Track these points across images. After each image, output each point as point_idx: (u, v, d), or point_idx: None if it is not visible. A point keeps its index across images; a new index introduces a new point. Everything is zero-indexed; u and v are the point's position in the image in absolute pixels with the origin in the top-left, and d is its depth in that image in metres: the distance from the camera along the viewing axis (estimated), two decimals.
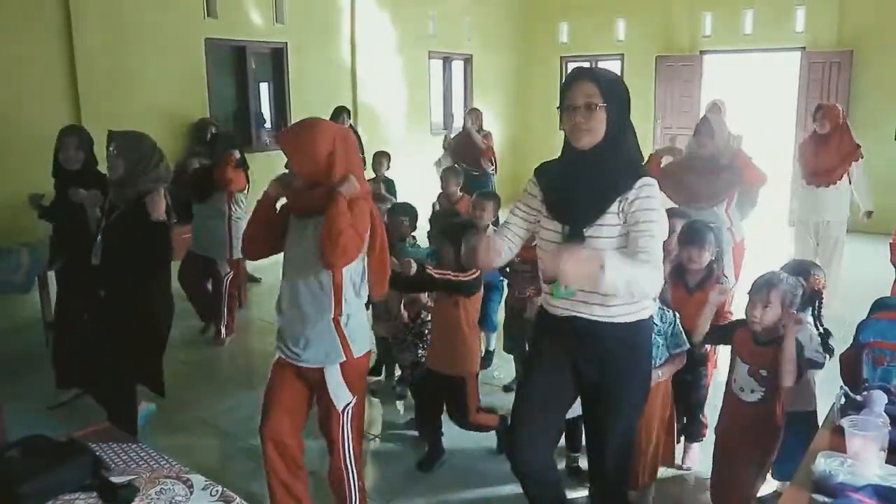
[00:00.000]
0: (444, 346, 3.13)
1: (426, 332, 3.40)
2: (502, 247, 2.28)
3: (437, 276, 3.06)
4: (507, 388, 4.04)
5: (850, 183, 5.19)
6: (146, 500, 1.72)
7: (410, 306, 3.49)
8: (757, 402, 2.46)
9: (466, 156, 6.85)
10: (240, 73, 7.24)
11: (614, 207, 2.04)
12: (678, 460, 3.25)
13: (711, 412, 3.38)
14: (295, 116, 7.50)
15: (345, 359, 2.48)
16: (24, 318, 5.28)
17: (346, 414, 2.54)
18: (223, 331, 5.02)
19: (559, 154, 2.19)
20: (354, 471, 2.64)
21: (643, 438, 2.73)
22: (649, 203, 2.03)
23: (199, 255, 4.99)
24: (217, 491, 1.78)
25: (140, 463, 1.98)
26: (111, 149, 3.14)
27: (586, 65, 10.08)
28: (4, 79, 5.24)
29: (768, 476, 2.72)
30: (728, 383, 2.60)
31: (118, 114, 5.75)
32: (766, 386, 2.44)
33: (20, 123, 5.35)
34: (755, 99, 13.35)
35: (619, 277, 1.85)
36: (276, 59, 7.45)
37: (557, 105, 2.11)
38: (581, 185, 2.08)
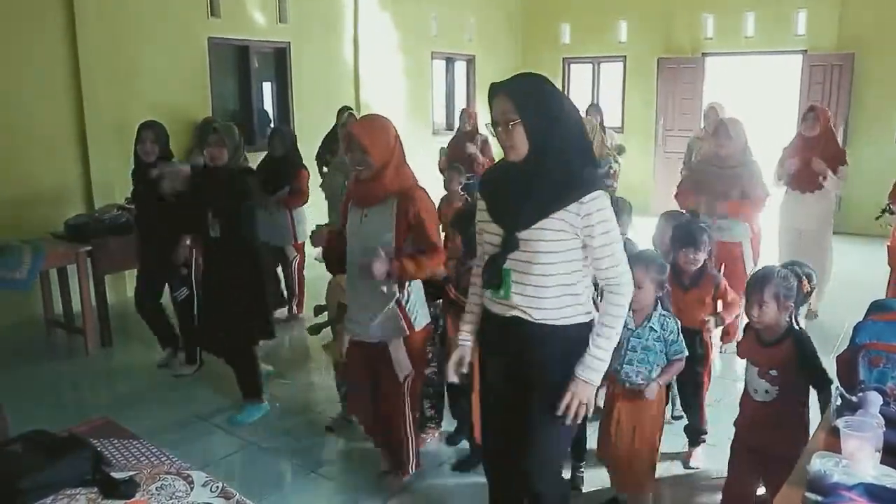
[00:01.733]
0: None
1: None
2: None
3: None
4: None
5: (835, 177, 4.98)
6: (147, 496, 1.73)
7: None
8: (771, 401, 2.48)
9: (458, 158, 6.60)
10: (242, 73, 7.24)
11: (558, 221, 1.99)
12: (684, 461, 3.30)
13: (713, 412, 3.41)
14: (298, 116, 7.51)
15: (408, 333, 2.81)
16: (26, 314, 5.30)
17: (406, 384, 2.88)
18: (295, 307, 5.49)
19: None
20: (412, 437, 3.00)
21: (636, 442, 2.72)
22: (602, 215, 2.01)
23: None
24: (217, 487, 1.79)
25: (141, 459, 1.99)
26: (213, 139, 3.62)
27: (588, 66, 10.16)
28: (8, 78, 5.26)
29: None
30: (745, 385, 2.63)
31: (121, 113, 5.78)
32: (778, 385, 2.45)
33: (23, 122, 5.37)
34: (756, 101, 13.34)
35: (606, 357, 2.07)
36: (279, 58, 7.46)
37: (486, 122, 2.10)
38: (516, 192, 2.04)
